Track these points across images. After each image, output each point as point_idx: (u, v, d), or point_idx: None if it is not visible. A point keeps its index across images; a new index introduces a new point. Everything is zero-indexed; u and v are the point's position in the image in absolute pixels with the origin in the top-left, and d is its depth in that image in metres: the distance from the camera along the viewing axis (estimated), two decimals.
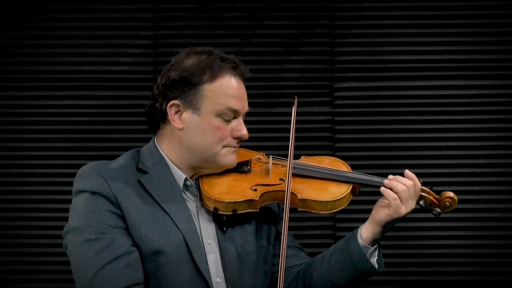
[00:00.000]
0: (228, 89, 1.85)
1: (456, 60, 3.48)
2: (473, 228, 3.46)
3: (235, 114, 1.86)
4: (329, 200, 1.87)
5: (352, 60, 3.51)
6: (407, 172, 1.90)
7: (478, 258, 3.46)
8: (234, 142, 1.87)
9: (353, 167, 3.52)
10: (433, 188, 1.97)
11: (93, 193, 1.78)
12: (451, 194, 1.94)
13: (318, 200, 1.86)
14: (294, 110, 1.94)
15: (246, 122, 3.75)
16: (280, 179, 1.90)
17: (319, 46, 3.52)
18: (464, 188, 3.45)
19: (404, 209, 1.85)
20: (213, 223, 1.88)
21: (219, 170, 1.91)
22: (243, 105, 1.88)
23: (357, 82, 3.51)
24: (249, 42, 3.52)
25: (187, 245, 1.79)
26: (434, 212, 1.94)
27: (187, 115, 1.85)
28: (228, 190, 1.86)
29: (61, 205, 3.44)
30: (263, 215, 1.93)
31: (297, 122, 3.48)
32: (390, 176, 1.89)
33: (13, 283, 3.47)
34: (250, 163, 1.95)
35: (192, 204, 1.88)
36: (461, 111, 3.47)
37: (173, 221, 1.80)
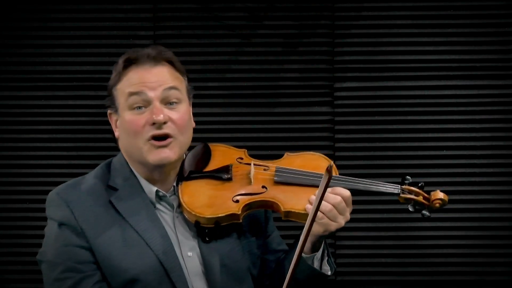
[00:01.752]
0: (130, 80, 1.81)
1: (456, 60, 3.48)
2: (473, 228, 3.45)
3: (144, 100, 1.79)
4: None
5: (352, 60, 3.51)
6: (336, 188, 1.79)
7: (478, 258, 3.46)
8: (151, 130, 1.77)
9: (353, 167, 3.53)
10: (423, 186, 1.95)
11: (60, 224, 1.79)
12: (441, 195, 1.91)
13: (303, 213, 1.78)
14: (326, 180, 1.62)
15: (246, 122, 3.76)
16: (263, 187, 1.83)
17: (319, 46, 3.52)
18: (464, 188, 3.45)
19: (334, 226, 1.78)
20: (194, 232, 1.83)
21: (162, 172, 1.82)
22: (147, 87, 1.78)
23: (357, 82, 3.51)
24: (249, 42, 3.52)
25: (162, 266, 1.75)
26: (422, 214, 1.90)
27: (118, 121, 1.85)
28: (209, 203, 1.80)
29: None
30: (248, 218, 1.87)
31: (297, 122, 3.51)
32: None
33: (13, 283, 3.47)
34: (231, 169, 1.87)
35: (168, 215, 1.84)
36: (461, 111, 3.47)
37: (146, 243, 1.76)
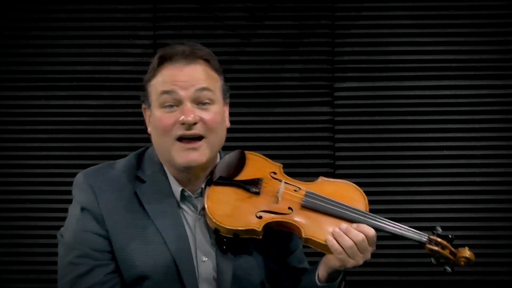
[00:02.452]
0: (163, 77, 1.79)
1: (456, 60, 3.48)
2: (473, 228, 3.45)
3: (175, 99, 1.77)
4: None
5: (352, 60, 3.51)
6: (361, 225, 1.75)
7: (478, 258, 3.44)
8: (180, 129, 1.75)
9: (353, 167, 3.52)
10: (453, 239, 1.86)
11: (82, 209, 1.79)
12: (468, 254, 1.83)
13: (323, 243, 1.74)
14: None
15: (246, 122, 3.76)
16: (289, 208, 1.78)
17: (319, 46, 3.52)
18: (464, 188, 3.45)
19: (351, 263, 1.73)
20: (213, 238, 1.81)
21: (190, 174, 1.80)
22: (178, 87, 1.76)
23: (357, 82, 3.51)
24: (249, 42, 3.52)
25: (176, 266, 1.75)
26: (445, 269, 1.82)
27: (150, 117, 1.84)
28: (231, 213, 1.76)
29: (61, 205, 3.44)
30: (270, 233, 1.81)
31: (297, 122, 3.50)
32: (342, 227, 1.74)
33: (13, 283, 3.47)
34: (261, 183, 1.82)
35: (190, 216, 1.83)
36: (461, 111, 3.47)
37: (164, 241, 1.75)
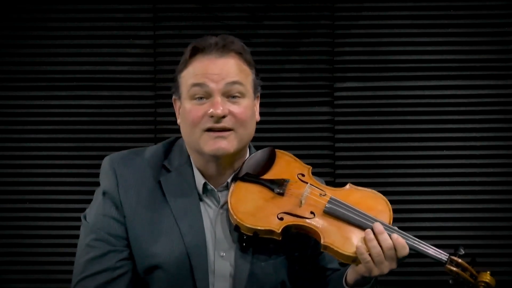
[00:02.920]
0: (194, 69, 1.78)
1: (456, 60, 3.48)
2: (473, 228, 3.45)
3: (205, 92, 1.76)
4: (350, 254, 1.71)
5: (352, 60, 3.51)
6: (393, 235, 1.71)
7: (478, 258, 3.44)
8: (209, 122, 1.74)
9: (353, 167, 3.53)
10: (475, 262, 1.81)
11: (104, 193, 1.80)
12: (488, 278, 1.77)
13: (341, 251, 1.71)
14: None
15: None
16: (311, 212, 1.76)
17: (319, 46, 3.52)
18: (464, 188, 3.45)
19: (376, 271, 1.70)
20: (233, 234, 1.79)
21: (217, 165, 1.79)
22: (209, 79, 1.75)
23: (357, 82, 3.51)
24: (249, 42, 3.51)
25: (189, 260, 1.74)
26: None
27: (180, 108, 1.83)
28: (254, 211, 1.74)
29: (61, 205, 3.44)
30: (296, 233, 1.79)
31: (297, 122, 3.50)
32: (372, 233, 1.71)
33: (13, 283, 3.47)
34: (286, 184, 1.80)
35: (213, 210, 1.82)
36: (461, 111, 3.47)
37: (180, 233, 1.75)
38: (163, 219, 1.77)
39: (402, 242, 1.71)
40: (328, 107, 3.51)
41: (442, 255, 1.83)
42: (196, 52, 1.79)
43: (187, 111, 1.77)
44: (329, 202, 1.77)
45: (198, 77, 1.76)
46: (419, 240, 1.77)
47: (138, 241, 1.76)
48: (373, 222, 1.73)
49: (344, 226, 1.74)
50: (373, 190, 1.84)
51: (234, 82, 1.77)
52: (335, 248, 1.71)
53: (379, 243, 1.69)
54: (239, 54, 1.81)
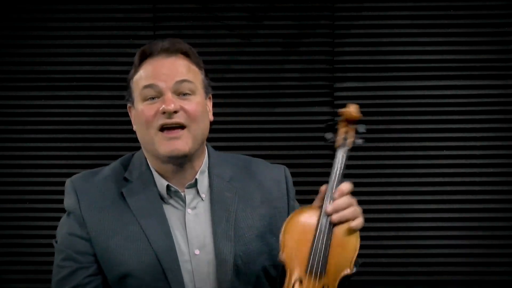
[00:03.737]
0: (145, 72, 1.81)
1: (456, 60, 3.48)
2: (473, 228, 3.45)
3: (156, 91, 1.78)
4: (354, 255, 1.76)
5: (352, 60, 3.51)
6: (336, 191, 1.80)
7: (478, 258, 3.46)
8: (162, 119, 1.76)
9: (353, 167, 3.53)
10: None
11: (68, 213, 1.85)
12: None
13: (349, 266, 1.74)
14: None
15: (245, 122, 3.76)
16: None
17: (319, 46, 3.52)
18: (464, 188, 3.45)
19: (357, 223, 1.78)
20: (208, 231, 1.81)
21: (175, 165, 1.80)
22: (159, 79, 1.78)
23: (357, 82, 3.51)
24: (249, 42, 3.52)
25: (160, 264, 1.75)
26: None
27: (134, 113, 1.86)
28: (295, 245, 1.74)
29: (61, 205, 3.42)
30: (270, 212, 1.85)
31: (297, 122, 3.50)
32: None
33: (13, 283, 3.47)
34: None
35: (180, 211, 1.83)
36: (461, 111, 3.47)
37: (148, 240, 1.77)
38: (129, 227, 1.79)
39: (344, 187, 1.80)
40: (328, 107, 3.51)
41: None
42: (144, 56, 1.83)
43: (140, 112, 1.80)
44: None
45: (148, 79, 1.79)
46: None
47: (106, 252, 1.78)
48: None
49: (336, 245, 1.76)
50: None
51: (184, 80, 1.80)
52: (344, 272, 1.74)
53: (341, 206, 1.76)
54: (186, 54, 1.85)
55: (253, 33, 3.52)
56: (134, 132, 3.68)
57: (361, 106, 3.47)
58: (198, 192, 1.85)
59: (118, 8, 3.54)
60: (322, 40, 3.52)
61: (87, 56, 3.52)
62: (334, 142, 1.88)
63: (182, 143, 1.77)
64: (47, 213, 3.47)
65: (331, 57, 3.51)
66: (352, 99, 3.52)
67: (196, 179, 1.84)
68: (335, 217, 1.74)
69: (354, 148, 3.63)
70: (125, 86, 3.51)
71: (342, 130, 1.93)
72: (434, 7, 3.49)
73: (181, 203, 1.84)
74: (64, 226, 1.84)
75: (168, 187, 1.83)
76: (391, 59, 3.50)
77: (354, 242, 1.75)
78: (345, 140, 1.89)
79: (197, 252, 1.80)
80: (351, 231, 1.75)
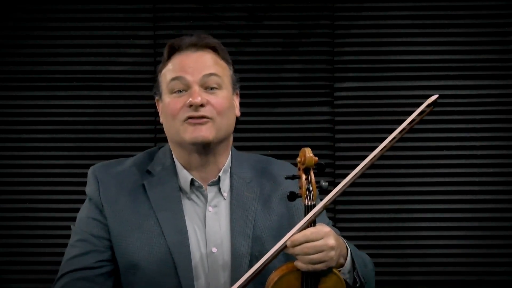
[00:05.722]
0: (172, 65, 1.83)
1: (456, 60, 3.48)
2: (473, 228, 3.46)
3: (184, 84, 1.80)
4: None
5: (352, 60, 3.51)
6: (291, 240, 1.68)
7: (478, 258, 3.46)
8: (188, 111, 1.77)
9: (353, 167, 3.52)
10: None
11: (89, 199, 1.87)
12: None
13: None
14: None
15: (245, 122, 3.76)
16: None
17: (319, 46, 3.52)
18: (464, 188, 3.45)
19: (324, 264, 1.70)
20: (226, 229, 1.82)
21: (200, 155, 1.80)
22: (187, 72, 1.80)
23: (357, 82, 3.51)
24: (249, 42, 3.52)
25: (172, 259, 1.76)
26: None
27: (162, 105, 1.88)
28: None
29: (61, 205, 3.44)
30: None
31: (297, 122, 3.50)
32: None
33: (13, 283, 3.47)
34: None
35: (200, 208, 1.84)
36: (461, 111, 3.47)
37: (162, 233, 1.78)
38: (146, 219, 1.80)
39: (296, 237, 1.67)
40: (328, 107, 3.51)
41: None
42: (173, 50, 1.86)
43: (167, 104, 1.82)
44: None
45: (176, 72, 1.81)
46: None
47: (118, 239, 1.80)
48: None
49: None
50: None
51: (211, 74, 1.82)
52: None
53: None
54: (214, 49, 1.89)
55: (253, 33, 3.52)
56: (134, 132, 3.70)
57: (361, 106, 3.51)
58: (219, 191, 1.86)
59: (118, 8, 3.54)
60: (322, 40, 3.52)
61: (87, 56, 3.52)
62: (300, 196, 1.78)
63: (206, 130, 1.79)
64: (47, 213, 3.47)
65: (331, 57, 3.52)
66: (352, 99, 3.53)
67: (219, 177, 1.85)
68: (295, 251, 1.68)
69: (353, 148, 3.63)
70: (126, 85, 3.53)
71: (303, 180, 1.83)
72: (434, 7, 3.49)
73: (203, 199, 1.85)
74: (84, 210, 1.86)
75: (192, 181, 1.84)
76: (391, 59, 3.50)
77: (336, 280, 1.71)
78: (308, 191, 1.83)
79: (214, 250, 1.80)
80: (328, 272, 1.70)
